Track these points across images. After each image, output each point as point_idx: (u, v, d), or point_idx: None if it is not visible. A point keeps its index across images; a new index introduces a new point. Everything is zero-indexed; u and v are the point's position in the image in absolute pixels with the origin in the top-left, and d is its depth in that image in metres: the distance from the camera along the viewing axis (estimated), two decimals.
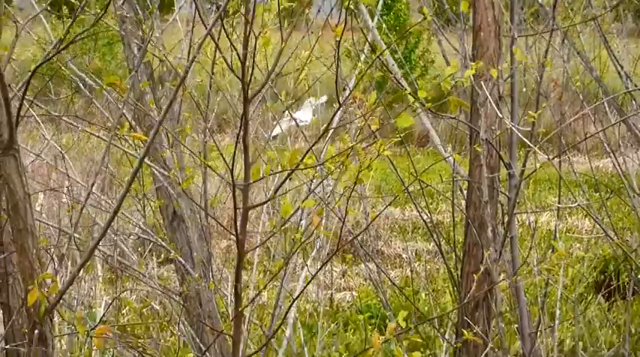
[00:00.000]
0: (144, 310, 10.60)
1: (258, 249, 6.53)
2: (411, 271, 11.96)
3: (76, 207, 5.27)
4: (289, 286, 6.62)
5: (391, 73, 5.34)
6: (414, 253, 13.64)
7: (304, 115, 6.90)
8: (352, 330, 10.85)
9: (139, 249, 10.88)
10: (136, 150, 6.09)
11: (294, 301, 4.39)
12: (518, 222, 6.35)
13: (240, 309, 4.20)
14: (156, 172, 5.84)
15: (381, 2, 6.80)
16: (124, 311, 10.52)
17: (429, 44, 22.87)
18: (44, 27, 5.87)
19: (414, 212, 14.67)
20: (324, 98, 6.46)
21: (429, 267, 12.93)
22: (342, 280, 12.81)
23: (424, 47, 23.13)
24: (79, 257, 7.38)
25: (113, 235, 6.77)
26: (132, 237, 8.04)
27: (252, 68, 3.46)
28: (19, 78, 4.27)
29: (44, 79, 4.85)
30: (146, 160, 5.94)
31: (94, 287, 9.38)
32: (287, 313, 4.64)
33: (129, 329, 9.62)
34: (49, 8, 5.29)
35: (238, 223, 4.04)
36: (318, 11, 4.91)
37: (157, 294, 9.79)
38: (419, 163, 5.68)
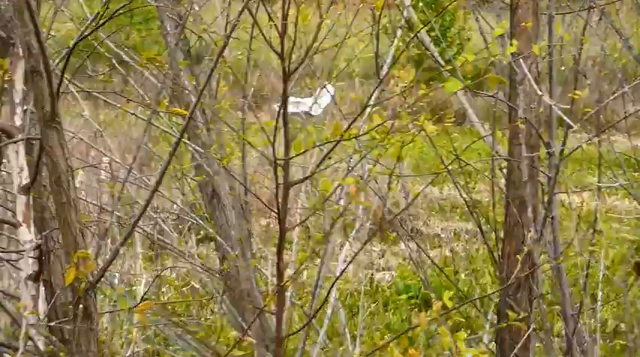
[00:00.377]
0: (183, 288, 10.66)
1: (297, 228, 6.52)
2: (451, 250, 11.94)
3: (115, 185, 5.31)
4: (329, 266, 6.63)
5: (428, 51, 5.30)
6: (452, 233, 13.62)
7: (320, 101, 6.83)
8: (392, 310, 10.84)
9: (179, 227, 10.92)
10: (172, 128, 6.11)
11: (335, 280, 4.38)
12: (558, 202, 6.29)
13: (282, 285, 4.19)
14: (193, 149, 5.85)
15: None
16: (164, 289, 10.60)
17: (464, 22, 22.72)
18: (80, 3, 5.88)
19: (452, 191, 14.62)
20: (332, 89, 6.40)
21: (467, 247, 12.89)
22: (381, 260, 12.80)
23: (459, 25, 22.99)
24: (119, 235, 7.44)
25: (153, 213, 6.81)
26: (171, 215, 8.08)
27: (293, 43, 3.44)
28: (55, 55, 4.28)
29: (81, 56, 4.85)
30: (184, 138, 5.96)
31: (134, 265, 9.43)
32: (329, 292, 4.63)
33: (169, 307, 9.67)
34: None
35: (279, 200, 4.03)
36: None
37: (196, 272, 9.84)
38: (456, 142, 5.64)
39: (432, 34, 6.66)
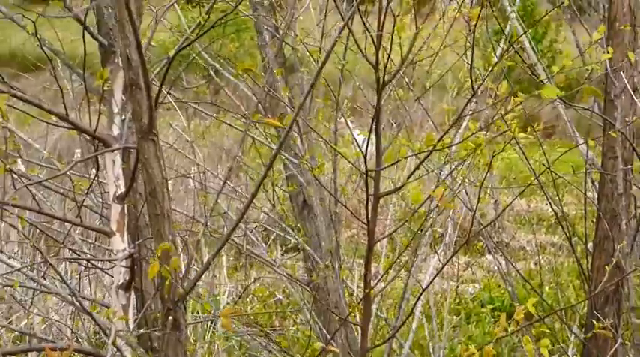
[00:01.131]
0: (268, 299, 10.70)
1: (385, 240, 6.52)
2: (536, 263, 11.79)
3: (206, 195, 5.33)
4: (416, 277, 6.59)
5: (524, 63, 5.27)
6: (537, 246, 13.51)
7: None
8: (474, 322, 10.77)
9: (265, 237, 11.00)
10: (267, 138, 6.15)
11: (421, 293, 4.35)
12: None
13: (369, 296, 4.18)
14: (287, 160, 5.88)
15: None
16: (247, 299, 10.65)
17: (556, 34, 22.56)
18: (178, 14, 5.94)
19: (539, 204, 14.50)
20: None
21: (553, 260, 12.78)
22: (465, 271, 12.74)
23: (552, 38, 22.84)
24: (204, 245, 7.49)
25: (242, 225, 6.85)
26: (258, 226, 8.11)
27: (390, 54, 3.44)
28: (155, 65, 4.32)
29: (178, 67, 4.90)
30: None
31: (218, 274, 9.50)
32: (415, 306, 4.61)
33: (252, 317, 9.73)
34: None
35: (369, 211, 4.02)
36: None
37: (280, 283, 9.87)
38: (546, 154, 5.58)
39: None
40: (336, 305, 6.31)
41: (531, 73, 5.63)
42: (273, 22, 5.57)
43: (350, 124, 7.03)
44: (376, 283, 5.02)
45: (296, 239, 6.28)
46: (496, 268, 11.12)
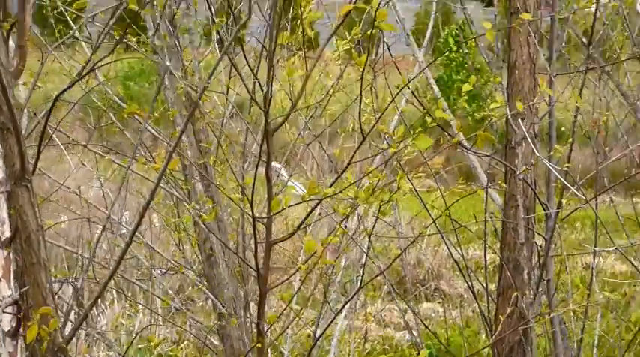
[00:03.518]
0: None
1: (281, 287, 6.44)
2: (473, 311, 11.77)
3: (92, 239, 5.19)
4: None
5: (422, 106, 5.23)
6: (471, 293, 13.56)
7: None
8: None
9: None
10: (168, 183, 6.05)
11: (318, 338, 4.28)
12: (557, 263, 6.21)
13: (262, 346, 4.08)
14: (191, 209, 5.77)
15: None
16: (181, 345, 10.57)
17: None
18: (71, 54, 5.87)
19: (478, 251, 14.66)
20: (278, 166, 6.40)
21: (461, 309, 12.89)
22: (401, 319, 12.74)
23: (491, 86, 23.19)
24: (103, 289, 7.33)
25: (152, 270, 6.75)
26: (168, 272, 7.98)
27: (270, 98, 3.37)
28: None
29: (89, 107, 4.83)
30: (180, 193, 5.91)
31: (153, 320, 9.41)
32: (311, 350, 4.52)
33: None
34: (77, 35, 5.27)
35: (260, 259, 3.93)
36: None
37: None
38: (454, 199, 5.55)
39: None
40: (240, 353, 6.21)
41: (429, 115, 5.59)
42: (181, 63, 5.52)
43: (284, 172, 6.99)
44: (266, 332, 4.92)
45: (198, 286, 6.18)
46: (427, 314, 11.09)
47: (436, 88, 6.47)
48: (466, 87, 3.29)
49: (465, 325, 11.41)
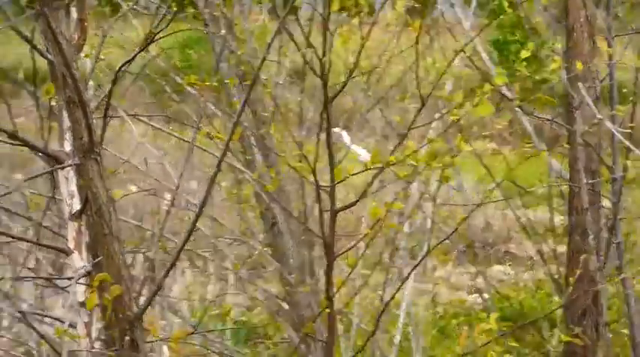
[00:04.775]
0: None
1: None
2: (545, 273, 11.70)
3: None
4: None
5: (478, 69, 5.21)
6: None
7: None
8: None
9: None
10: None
11: (387, 303, 4.31)
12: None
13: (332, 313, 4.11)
14: (250, 177, 5.81)
15: None
16: (255, 311, 10.63)
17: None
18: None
19: (547, 214, 14.52)
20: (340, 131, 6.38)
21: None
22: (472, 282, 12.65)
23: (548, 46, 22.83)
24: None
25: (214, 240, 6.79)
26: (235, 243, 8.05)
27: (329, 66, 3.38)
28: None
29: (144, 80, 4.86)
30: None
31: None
32: (377, 321, 4.54)
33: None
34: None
35: (325, 227, 3.95)
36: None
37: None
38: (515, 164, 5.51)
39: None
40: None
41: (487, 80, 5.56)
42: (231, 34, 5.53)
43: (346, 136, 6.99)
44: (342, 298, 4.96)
45: (265, 257, 6.23)
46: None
47: (484, 55, 6.40)
48: (524, 54, 3.28)
49: (537, 287, 11.30)
